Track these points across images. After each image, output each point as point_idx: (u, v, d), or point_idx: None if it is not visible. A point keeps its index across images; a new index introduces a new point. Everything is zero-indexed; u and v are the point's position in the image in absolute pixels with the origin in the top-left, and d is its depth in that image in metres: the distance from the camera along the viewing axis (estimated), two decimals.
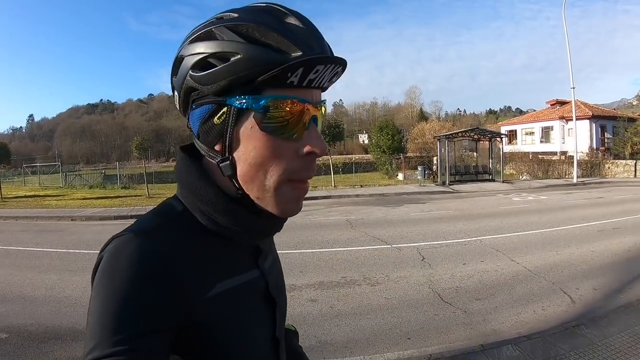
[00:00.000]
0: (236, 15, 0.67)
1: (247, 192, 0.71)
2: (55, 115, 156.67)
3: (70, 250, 9.61)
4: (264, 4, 0.68)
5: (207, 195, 0.71)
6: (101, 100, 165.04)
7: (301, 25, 0.67)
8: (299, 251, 8.44)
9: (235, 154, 0.69)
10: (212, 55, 0.65)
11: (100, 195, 24.30)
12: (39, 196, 25.46)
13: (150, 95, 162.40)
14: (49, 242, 10.87)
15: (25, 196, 25.53)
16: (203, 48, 0.65)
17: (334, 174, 25.44)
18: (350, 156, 65.37)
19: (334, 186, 23.73)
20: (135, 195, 23.51)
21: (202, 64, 0.66)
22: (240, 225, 0.72)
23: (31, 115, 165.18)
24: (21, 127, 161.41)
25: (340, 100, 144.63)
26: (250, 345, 0.74)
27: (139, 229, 0.67)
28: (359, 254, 8.10)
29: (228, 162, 0.69)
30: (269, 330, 0.81)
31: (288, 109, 0.65)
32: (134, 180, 31.75)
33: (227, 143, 0.68)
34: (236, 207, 0.71)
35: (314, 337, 4.64)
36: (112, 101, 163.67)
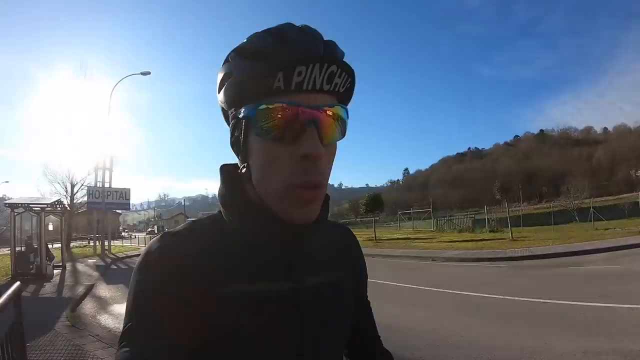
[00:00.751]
0: (245, 40, 0.74)
1: (263, 198, 0.74)
2: (428, 167, 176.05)
3: (420, 287, 10.38)
4: (274, 26, 0.73)
5: (231, 200, 0.79)
6: (469, 148, 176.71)
7: (295, 36, 0.70)
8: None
9: (250, 162, 0.74)
10: (223, 77, 0.74)
11: (466, 239, 24.99)
12: (410, 239, 28.36)
13: (516, 136, 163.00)
14: (404, 278, 11.96)
15: (397, 238, 28.89)
16: (220, 72, 0.75)
17: None
18: None
19: None
20: (500, 239, 23.15)
21: (220, 85, 0.75)
22: (261, 231, 0.75)
23: (406, 169, 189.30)
24: (398, 179, 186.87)
25: None
26: (260, 352, 0.74)
27: (172, 230, 0.78)
28: None
29: (246, 169, 0.75)
30: (292, 345, 0.78)
31: (278, 114, 0.68)
32: (502, 223, 31.10)
33: (244, 152, 0.75)
34: (257, 214, 0.75)
35: None
36: (479, 148, 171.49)
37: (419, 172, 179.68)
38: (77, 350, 5.75)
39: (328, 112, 0.71)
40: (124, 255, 25.34)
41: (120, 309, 9.05)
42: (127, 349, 0.64)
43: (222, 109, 0.79)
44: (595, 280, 9.02)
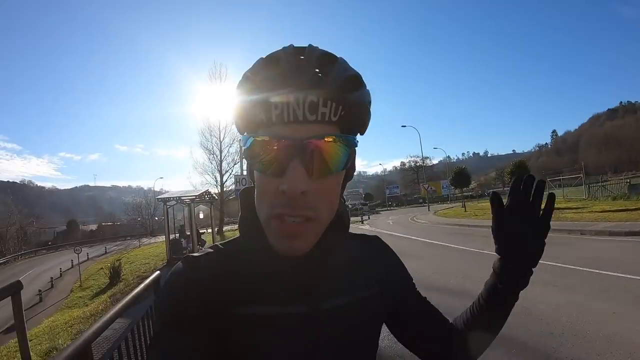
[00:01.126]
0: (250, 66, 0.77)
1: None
2: (577, 127, 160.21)
3: (563, 265, 9.72)
4: (273, 52, 0.77)
5: (246, 227, 0.85)
6: (620, 102, 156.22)
7: (284, 65, 0.72)
8: None
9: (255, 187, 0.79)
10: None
11: (621, 207, 22.48)
12: (559, 209, 26.17)
13: None
14: (550, 256, 10.89)
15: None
16: None
17: None
18: None
19: None
20: None
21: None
22: (268, 256, 0.79)
23: (554, 131, 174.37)
24: (546, 143, 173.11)
25: None
26: None
27: (193, 254, 0.84)
28: None
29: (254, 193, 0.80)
30: None
31: (263, 147, 0.71)
32: None
33: (252, 179, 0.80)
34: (264, 238, 0.79)
35: None
36: (633, 101, 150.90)
37: (568, 133, 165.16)
38: None
39: (321, 142, 0.71)
40: None
41: None
42: (160, 350, 0.73)
43: None
44: None
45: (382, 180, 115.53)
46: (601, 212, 21.84)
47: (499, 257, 0.93)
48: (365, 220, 40.12)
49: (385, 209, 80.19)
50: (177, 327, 0.73)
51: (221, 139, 37.04)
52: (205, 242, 15.97)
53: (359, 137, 0.80)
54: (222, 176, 36.18)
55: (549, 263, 9.90)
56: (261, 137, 0.71)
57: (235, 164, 35.55)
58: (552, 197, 0.92)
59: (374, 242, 1.04)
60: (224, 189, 36.56)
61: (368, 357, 0.92)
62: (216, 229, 30.91)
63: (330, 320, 0.83)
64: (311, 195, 0.71)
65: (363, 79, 0.78)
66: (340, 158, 0.74)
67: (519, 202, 0.90)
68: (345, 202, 0.94)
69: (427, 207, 59.08)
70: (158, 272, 4.77)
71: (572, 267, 9.49)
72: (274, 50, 0.77)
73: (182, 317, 0.74)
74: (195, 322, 0.75)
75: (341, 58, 0.78)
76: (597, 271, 8.82)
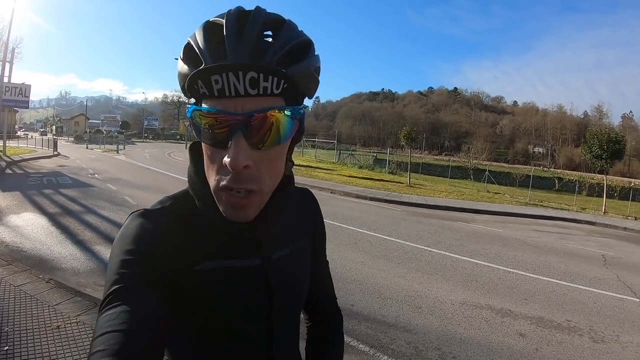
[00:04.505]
0: (195, 32, 0.75)
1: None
2: (339, 99, 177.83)
3: None
4: (215, 17, 0.75)
5: (199, 187, 0.82)
6: (382, 89, 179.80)
7: (225, 36, 0.70)
8: (534, 276, 7.45)
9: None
10: (178, 67, 0.76)
11: (366, 176, 26.20)
12: (311, 167, 29.10)
13: (430, 88, 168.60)
14: None
15: (300, 165, 29.40)
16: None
17: (607, 198, 21.81)
18: (632, 180, 53.79)
19: (604, 212, 20.12)
20: (397, 182, 24.63)
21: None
22: (222, 217, 0.78)
23: (317, 97, 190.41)
24: (307, 106, 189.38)
25: (631, 112, 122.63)
26: (233, 323, 0.84)
27: (148, 208, 0.82)
28: (597, 298, 6.66)
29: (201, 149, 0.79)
30: (260, 315, 0.88)
31: (206, 119, 0.70)
32: (401, 167, 32.79)
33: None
34: (212, 199, 0.78)
35: None
36: (393, 91, 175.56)
37: (329, 102, 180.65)
38: None
39: (265, 115, 0.70)
40: (20, 158, 23.29)
41: (17, 220, 8.51)
42: (114, 309, 0.66)
43: None
44: (480, 239, 10.03)
45: (142, 110, 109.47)
46: (349, 176, 25.01)
47: None
48: (121, 150, 37.29)
49: (141, 140, 76.55)
50: (136, 285, 0.71)
51: None
52: None
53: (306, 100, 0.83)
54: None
55: None
56: (204, 110, 0.70)
57: None
58: None
59: (307, 195, 1.10)
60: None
61: (305, 295, 1.01)
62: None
63: (279, 269, 0.90)
64: (254, 168, 0.72)
65: (312, 43, 0.78)
66: (285, 130, 0.74)
67: None
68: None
69: (184, 144, 57.85)
70: None
71: (325, 220, 10.35)
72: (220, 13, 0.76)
73: (142, 275, 0.72)
74: (156, 280, 0.73)
75: (289, 22, 0.77)
76: (346, 226, 10.09)
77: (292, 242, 0.97)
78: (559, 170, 59.85)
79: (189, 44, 0.73)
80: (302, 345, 1.08)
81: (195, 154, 0.86)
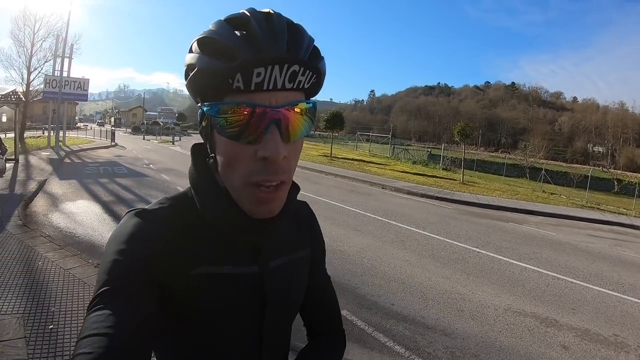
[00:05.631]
0: (209, 27, 0.73)
1: (228, 189, 0.79)
2: (394, 93, 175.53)
3: (366, 213, 10.82)
4: (234, 14, 0.74)
5: (203, 188, 0.82)
6: (438, 83, 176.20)
7: (257, 30, 0.69)
8: (584, 284, 7.02)
9: (217, 153, 0.77)
10: (187, 67, 0.74)
11: (419, 172, 25.77)
12: (364, 161, 28.92)
13: (487, 82, 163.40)
14: (352, 201, 12.44)
15: (353, 159, 29.49)
16: (185, 60, 0.75)
17: None
18: None
19: None
20: (451, 179, 24.04)
21: (185, 74, 0.75)
22: (225, 219, 0.80)
23: (372, 91, 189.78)
24: (363, 100, 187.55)
25: None
26: (224, 330, 0.83)
27: (145, 208, 0.81)
28: None
29: (212, 160, 0.79)
30: (252, 324, 0.87)
31: (238, 114, 0.69)
32: (456, 164, 32.03)
33: (210, 143, 0.78)
34: (222, 202, 0.79)
35: None
36: (450, 85, 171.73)
37: (384, 95, 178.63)
38: (28, 251, 5.70)
39: (295, 109, 0.72)
40: (79, 148, 24.74)
41: (72, 207, 9.05)
42: (103, 311, 0.65)
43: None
44: (530, 242, 9.65)
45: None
46: (402, 172, 24.67)
47: None
48: (177, 141, 38.36)
49: (197, 132, 78.57)
50: (126, 288, 0.70)
51: (35, 31, 31.33)
52: (7, 149, 13.38)
53: None
54: (29, 74, 30.66)
55: (353, 209, 10.93)
56: (235, 105, 0.70)
57: (46, 61, 30.26)
58: None
59: (305, 207, 1.09)
60: (30, 89, 31.23)
61: (299, 304, 1.01)
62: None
63: (276, 277, 0.90)
64: (286, 159, 0.73)
65: None
66: (309, 123, 0.77)
67: None
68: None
69: None
70: None
71: (373, 216, 10.56)
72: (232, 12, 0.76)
73: (133, 278, 0.71)
74: (147, 283, 0.72)
75: (301, 25, 0.77)
76: (395, 223, 10.00)
77: (291, 251, 0.97)
78: (619, 172, 56.71)
79: (213, 39, 0.71)
80: (292, 357, 1.07)
81: (198, 155, 0.86)
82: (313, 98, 0.82)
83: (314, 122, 0.79)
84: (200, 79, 0.72)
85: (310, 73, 0.72)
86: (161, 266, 0.74)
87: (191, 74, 0.73)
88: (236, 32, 0.70)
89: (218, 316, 0.81)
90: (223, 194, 0.79)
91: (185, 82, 0.77)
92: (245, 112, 0.69)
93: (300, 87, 0.72)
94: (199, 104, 0.76)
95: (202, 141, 0.85)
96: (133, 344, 0.64)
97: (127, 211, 0.81)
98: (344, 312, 4.52)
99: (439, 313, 5.02)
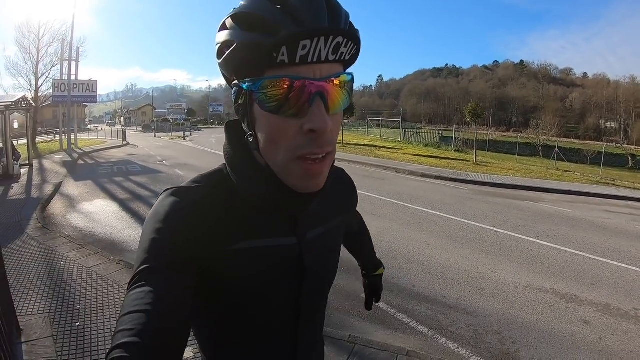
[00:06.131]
0: (242, 3, 0.72)
1: (270, 165, 0.78)
2: (402, 77, 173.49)
3: (382, 198, 10.90)
4: None
5: (240, 165, 0.83)
6: (447, 64, 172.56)
7: (296, 3, 0.68)
8: (602, 260, 6.92)
9: (257, 130, 0.76)
10: (222, 44, 0.73)
11: (431, 154, 25.74)
12: (376, 146, 28.95)
13: (496, 62, 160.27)
14: (367, 186, 12.43)
15: (365, 145, 29.51)
16: (218, 38, 0.74)
17: None
18: None
19: None
20: (464, 160, 23.99)
21: (219, 52, 0.75)
22: (265, 194, 0.80)
23: (380, 76, 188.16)
24: (371, 85, 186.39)
25: None
26: (263, 303, 0.85)
27: (183, 186, 0.82)
28: None
29: (252, 137, 0.77)
30: (290, 295, 0.89)
31: (283, 88, 0.68)
32: (468, 145, 31.83)
33: (249, 120, 0.76)
34: (262, 179, 0.79)
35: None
36: (458, 66, 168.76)
37: (392, 80, 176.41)
38: (49, 252, 5.83)
39: (335, 82, 0.72)
40: (91, 150, 25.18)
41: (89, 206, 9.22)
42: (143, 289, 0.66)
43: (222, 73, 0.81)
44: (547, 220, 9.60)
45: (207, 97, 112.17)
46: (414, 155, 24.63)
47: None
48: (187, 136, 38.61)
49: (207, 126, 78.81)
50: (165, 265, 0.71)
51: (40, 37, 31.54)
52: (20, 155, 13.58)
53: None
54: (37, 79, 30.99)
55: (368, 194, 10.99)
56: (280, 78, 0.69)
57: (53, 66, 30.47)
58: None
59: (342, 174, 1.11)
60: (39, 94, 31.56)
61: (336, 270, 1.03)
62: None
63: (313, 247, 0.91)
64: (329, 132, 0.73)
65: None
66: (349, 95, 0.77)
67: None
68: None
69: None
70: None
71: (388, 199, 10.62)
72: None
73: (171, 255, 0.72)
74: (185, 260, 0.73)
75: None
76: (411, 205, 10.04)
77: (327, 221, 0.98)
78: (632, 147, 55.94)
79: (252, 13, 0.70)
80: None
81: (234, 133, 0.87)
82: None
83: (351, 94, 0.79)
84: (241, 55, 0.71)
85: (352, 44, 0.72)
86: (199, 243, 0.75)
87: (228, 52, 0.72)
88: (274, 5, 0.69)
89: (258, 288, 0.82)
90: (263, 171, 0.79)
91: (218, 61, 0.76)
92: (291, 86, 0.68)
93: (342, 58, 0.72)
94: (235, 82, 0.76)
95: (235, 119, 0.86)
96: (173, 320, 0.65)
97: (163, 190, 0.83)
98: None
99: (459, 292, 5.07)
